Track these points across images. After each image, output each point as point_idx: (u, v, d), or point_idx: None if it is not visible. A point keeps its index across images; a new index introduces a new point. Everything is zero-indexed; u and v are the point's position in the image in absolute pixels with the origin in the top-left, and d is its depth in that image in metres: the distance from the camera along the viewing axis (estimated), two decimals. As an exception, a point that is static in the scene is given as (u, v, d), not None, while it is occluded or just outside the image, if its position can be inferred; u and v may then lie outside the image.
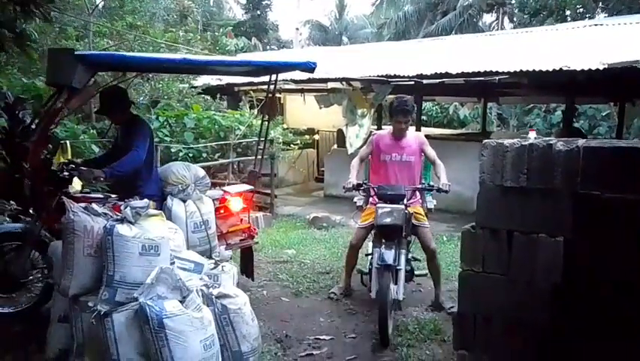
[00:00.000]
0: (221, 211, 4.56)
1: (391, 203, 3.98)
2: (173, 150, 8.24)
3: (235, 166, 9.17)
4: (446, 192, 4.10)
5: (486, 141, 2.88)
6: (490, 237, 2.81)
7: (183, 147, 8.35)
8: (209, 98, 11.28)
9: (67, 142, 5.58)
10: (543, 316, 2.67)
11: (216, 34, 12.83)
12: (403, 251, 3.92)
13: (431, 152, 4.47)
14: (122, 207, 3.00)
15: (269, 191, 9.29)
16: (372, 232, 4.31)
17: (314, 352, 3.55)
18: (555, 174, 2.64)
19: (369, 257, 4.26)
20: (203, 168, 8.46)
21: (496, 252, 2.80)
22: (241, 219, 4.75)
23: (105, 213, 3.11)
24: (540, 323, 2.68)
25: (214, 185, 8.65)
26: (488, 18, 26.92)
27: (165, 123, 8.72)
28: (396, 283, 3.77)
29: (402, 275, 3.84)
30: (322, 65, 9.61)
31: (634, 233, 2.47)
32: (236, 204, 4.66)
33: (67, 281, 2.96)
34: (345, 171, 9.37)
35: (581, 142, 2.68)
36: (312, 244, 6.55)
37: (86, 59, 3.53)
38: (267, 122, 5.05)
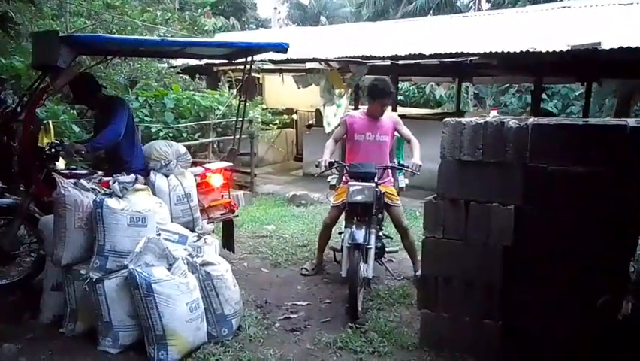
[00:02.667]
0: (203, 187, 4.79)
1: (363, 181, 4.11)
2: (153, 130, 8.34)
3: (215, 146, 9.32)
4: (415, 173, 4.26)
5: (446, 119, 3.16)
6: (450, 206, 3.12)
7: (163, 127, 8.45)
8: (187, 77, 11.35)
9: (50, 122, 5.68)
10: (495, 274, 3.00)
11: (194, 14, 12.81)
12: (373, 231, 4.03)
13: (406, 131, 4.58)
14: (110, 182, 3.21)
15: (249, 170, 9.50)
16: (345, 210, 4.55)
17: (292, 316, 3.82)
18: (507, 149, 2.94)
19: (342, 235, 4.50)
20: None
21: (455, 219, 3.11)
22: (222, 195, 4.98)
23: (93, 189, 3.32)
24: (493, 280, 3.01)
25: (194, 164, 8.91)
26: (465, -2, 27.15)
27: (145, 103, 8.80)
28: (366, 262, 3.89)
29: (372, 254, 3.96)
30: (300, 45, 9.85)
31: (574, 201, 2.78)
32: (216, 180, 4.88)
33: (60, 252, 3.18)
34: (322, 150, 9.72)
35: (530, 120, 2.98)
36: (290, 220, 6.81)
37: (70, 40, 3.69)
38: (244, 103, 5.24)
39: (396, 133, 4.68)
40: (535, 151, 2.87)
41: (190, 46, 4.87)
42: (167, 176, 4.34)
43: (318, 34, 12.86)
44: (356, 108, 11.06)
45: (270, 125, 10.01)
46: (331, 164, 4.44)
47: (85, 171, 4.21)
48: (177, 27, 10.60)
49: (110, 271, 3.03)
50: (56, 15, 10.57)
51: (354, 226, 3.98)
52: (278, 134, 11.33)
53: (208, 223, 4.72)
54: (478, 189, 3.03)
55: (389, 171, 4.56)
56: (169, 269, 3.05)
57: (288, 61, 9.45)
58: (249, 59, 4.91)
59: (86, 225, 3.19)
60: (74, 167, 4.46)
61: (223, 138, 9.04)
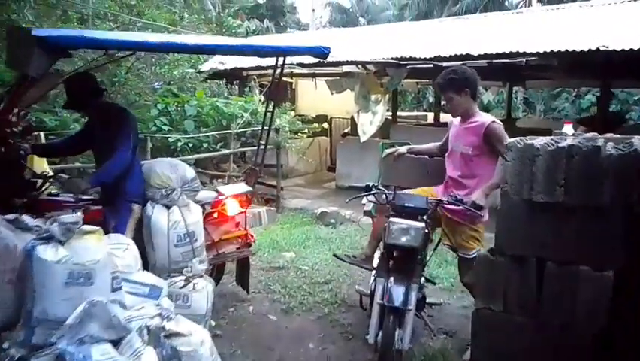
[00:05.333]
0: (214, 216, 3.96)
1: (409, 218, 3.12)
2: (171, 140, 7.68)
3: (239, 157, 8.58)
4: (478, 209, 3.11)
5: (510, 141, 2.21)
6: (515, 267, 2.15)
7: (182, 137, 7.78)
8: (220, 83, 10.68)
9: (42, 133, 5.04)
10: (584, 377, 2.02)
11: (221, 14, 12.13)
12: (415, 286, 3.06)
13: (500, 148, 2.99)
14: (48, 223, 2.41)
15: (275, 183, 8.71)
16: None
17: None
18: (604, 187, 1.96)
19: (372, 274, 3.58)
20: (204, 159, 8.08)
21: (522, 287, 2.14)
22: (237, 224, 4.14)
23: (38, 227, 2.53)
24: (580, 385, 2.03)
25: (214, 178, 8.19)
26: (515, -3, 25.64)
27: (164, 111, 8.17)
28: (402, 327, 2.95)
29: (410, 318, 2.99)
30: (336, 47, 8.98)
31: None
32: (232, 208, 4.04)
33: (-15, 312, 2.41)
34: (357, 161, 8.84)
35: (638, 142, 2.00)
36: (315, 246, 5.95)
37: (45, 42, 2.89)
38: (272, 111, 4.39)
39: None
40: (648, 191, 1.89)
41: (199, 49, 4.07)
42: (168, 207, 3.52)
43: (354, 35, 11.95)
44: (394, 116, 10.14)
45: (299, 134, 9.18)
46: (367, 187, 3.44)
47: (70, 198, 3.46)
48: (204, 29, 9.97)
49: (37, 348, 2.23)
50: (84, 19, 10.13)
51: (392, 277, 3.04)
52: (310, 144, 10.52)
53: (211, 263, 3.90)
54: (559, 243, 2.06)
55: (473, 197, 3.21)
56: (117, 344, 2.22)
57: (321, 64, 8.65)
58: (280, 61, 4.03)
59: (21, 278, 2.40)
60: (57, 190, 3.70)
61: (246, 148, 8.29)
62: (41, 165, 4.69)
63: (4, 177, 3.13)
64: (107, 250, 2.50)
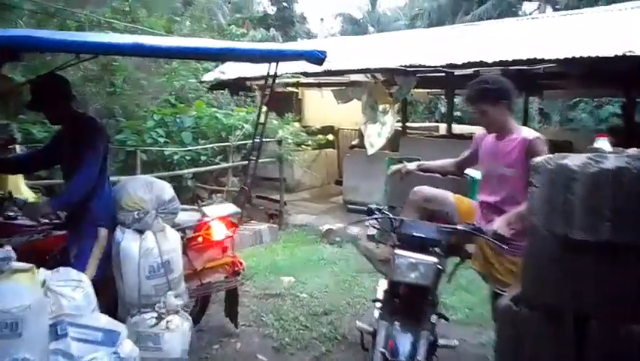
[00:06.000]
0: (198, 240, 3.52)
1: (419, 251, 2.64)
2: (167, 153, 7.30)
3: (240, 170, 8.17)
4: (501, 241, 2.63)
5: (536, 160, 1.75)
6: (546, 323, 1.68)
7: (179, 150, 7.40)
8: (224, 92, 10.31)
9: (17, 146, 4.66)
10: None
11: (222, 20, 11.80)
12: (425, 333, 2.56)
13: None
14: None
15: (278, 197, 8.29)
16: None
17: None
18: (666, 222, 1.49)
19: (376, 308, 3.08)
20: (203, 172, 7.68)
21: (557, 347, 1.67)
22: (224, 249, 3.68)
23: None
24: None
25: (213, 192, 7.75)
26: (529, 6, 25.14)
27: (161, 122, 7.80)
28: None
29: None
30: (343, 55, 8.64)
31: None
32: (217, 232, 3.59)
33: None
34: (365, 175, 8.39)
35: None
36: (316, 268, 5.49)
37: None
38: (261, 119, 3.94)
39: None
40: None
41: (176, 52, 3.65)
42: (140, 232, 3.09)
43: (362, 43, 11.54)
44: (404, 127, 9.69)
45: (303, 146, 8.77)
46: (370, 210, 2.92)
47: (26, 221, 3.04)
48: (205, 37, 9.65)
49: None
50: (82, 28, 9.86)
51: (397, 322, 2.57)
52: (317, 156, 10.10)
53: (194, 294, 3.45)
54: (605, 294, 1.59)
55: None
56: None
57: (325, 73, 8.25)
58: (273, 68, 3.56)
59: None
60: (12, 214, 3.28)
61: (244, 161, 7.91)
62: (17, 183, 4.32)
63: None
64: (49, 290, 2.07)
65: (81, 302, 2.31)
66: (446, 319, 3.39)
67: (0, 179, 3.80)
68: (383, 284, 3.19)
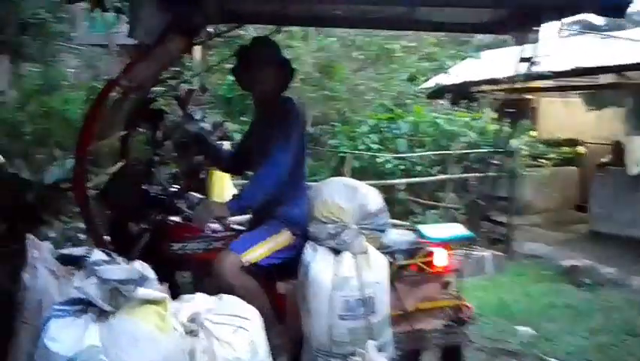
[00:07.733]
0: (411, 271, 2.54)
1: None
2: (379, 161, 6.63)
3: (460, 184, 7.06)
4: None
5: None
6: None
7: (393, 157, 6.67)
8: (444, 102, 9.37)
9: (224, 143, 4.36)
10: None
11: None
12: None
13: None
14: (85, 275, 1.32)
15: (503, 219, 6.93)
16: None
17: None
18: None
19: None
20: (417, 184, 6.80)
21: None
22: (444, 285, 2.64)
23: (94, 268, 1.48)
24: None
25: (428, 208, 6.73)
26: None
27: (375, 128, 7.20)
28: None
29: None
30: (588, 52, 7.06)
31: None
32: (439, 261, 2.57)
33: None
34: (622, 200, 6.62)
35: None
36: (564, 319, 4.09)
37: None
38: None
39: None
40: None
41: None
42: (336, 253, 2.26)
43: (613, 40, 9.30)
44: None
45: (540, 160, 7.28)
46: None
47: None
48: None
49: None
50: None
51: None
52: (556, 173, 8.40)
53: (402, 347, 2.45)
54: None
55: None
56: None
57: (572, 73, 6.79)
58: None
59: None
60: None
61: (468, 175, 6.79)
62: (222, 184, 3.94)
63: (119, 193, 2.27)
64: (201, 327, 1.32)
65: (241, 353, 1.51)
66: None
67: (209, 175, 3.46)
68: None
